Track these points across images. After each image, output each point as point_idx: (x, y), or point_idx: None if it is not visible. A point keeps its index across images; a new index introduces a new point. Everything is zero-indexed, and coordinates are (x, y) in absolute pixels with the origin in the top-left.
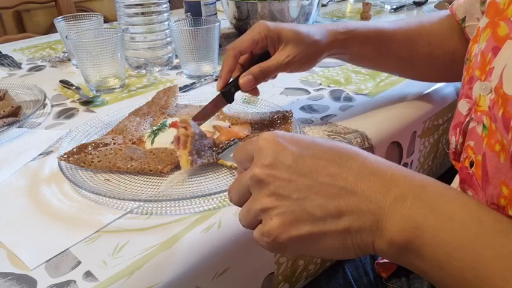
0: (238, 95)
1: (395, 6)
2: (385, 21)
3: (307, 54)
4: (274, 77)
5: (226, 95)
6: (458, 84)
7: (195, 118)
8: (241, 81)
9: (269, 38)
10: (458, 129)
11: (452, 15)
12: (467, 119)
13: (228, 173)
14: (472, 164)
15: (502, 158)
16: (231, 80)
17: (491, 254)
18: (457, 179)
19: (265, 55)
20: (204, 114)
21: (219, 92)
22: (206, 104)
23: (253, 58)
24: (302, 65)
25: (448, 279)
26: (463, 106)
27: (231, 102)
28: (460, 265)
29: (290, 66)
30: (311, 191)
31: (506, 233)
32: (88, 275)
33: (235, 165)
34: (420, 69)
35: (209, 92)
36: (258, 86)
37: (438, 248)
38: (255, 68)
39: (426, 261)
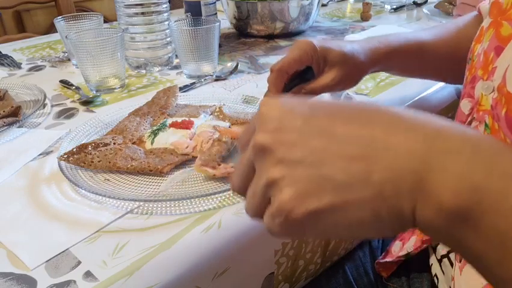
0: (238, 95)
1: (395, 6)
2: (421, 28)
3: (351, 76)
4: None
5: None
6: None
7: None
8: None
9: (315, 59)
10: None
11: (480, 16)
12: (469, 119)
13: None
14: None
15: None
16: None
17: None
18: None
19: (306, 69)
20: None
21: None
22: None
23: (295, 72)
24: (345, 86)
25: (509, 261)
26: (465, 105)
27: None
28: None
29: (334, 88)
30: (329, 152)
31: None
32: (88, 275)
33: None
34: (461, 73)
35: (209, 91)
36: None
37: (503, 219)
38: (299, 90)
39: (483, 236)
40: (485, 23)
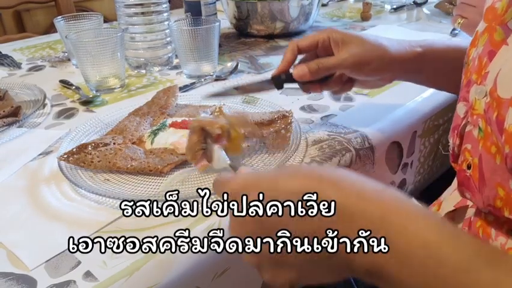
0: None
1: (395, 6)
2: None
3: (372, 59)
4: (349, 88)
5: (276, 80)
6: None
7: (237, 88)
8: (294, 70)
9: (332, 40)
10: (456, 131)
11: None
12: (463, 122)
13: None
14: (469, 167)
15: (498, 160)
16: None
17: None
18: (456, 180)
19: None
20: (247, 88)
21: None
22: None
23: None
24: (370, 72)
25: None
26: (460, 109)
27: (279, 89)
28: None
29: (351, 67)
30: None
31: (469, 270)
32: (88, 275)
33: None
34: None
35: (209, 91)
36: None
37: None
38: (312, 62)
39: (389, 284)
40: (480, 27)
